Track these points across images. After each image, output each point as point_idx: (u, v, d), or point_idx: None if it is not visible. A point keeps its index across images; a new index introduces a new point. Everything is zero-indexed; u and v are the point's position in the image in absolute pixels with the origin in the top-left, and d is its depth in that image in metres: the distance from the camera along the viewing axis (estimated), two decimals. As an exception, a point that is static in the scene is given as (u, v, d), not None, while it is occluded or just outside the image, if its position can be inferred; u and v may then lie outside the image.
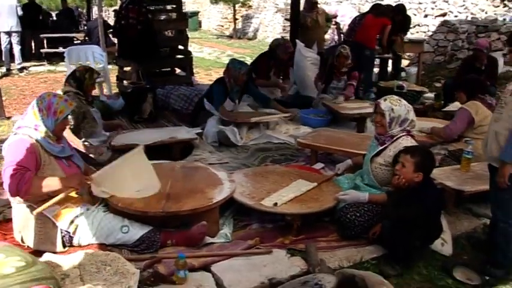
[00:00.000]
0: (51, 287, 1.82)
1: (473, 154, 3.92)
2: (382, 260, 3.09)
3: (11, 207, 3.16)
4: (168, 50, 8.49)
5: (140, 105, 6.17)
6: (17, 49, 10.60)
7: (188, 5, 23.68)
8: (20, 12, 10.47)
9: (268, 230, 3.43)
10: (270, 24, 18.79)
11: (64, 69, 9.13)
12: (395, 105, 3.36)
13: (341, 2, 14.96)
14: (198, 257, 2.96)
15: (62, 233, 3.01)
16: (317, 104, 6.42)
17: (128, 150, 3.32)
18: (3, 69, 10.56)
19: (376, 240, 3.20)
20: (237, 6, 20.69)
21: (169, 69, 8.62)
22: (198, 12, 23.65)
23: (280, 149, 5.23)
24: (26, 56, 11.55)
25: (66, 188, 2.96)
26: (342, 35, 10.47)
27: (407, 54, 10.40)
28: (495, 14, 10.60)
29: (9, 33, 10.38)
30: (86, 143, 4.39)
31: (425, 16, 12.26)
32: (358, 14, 9.88)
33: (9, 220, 3.24)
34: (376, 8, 8.20)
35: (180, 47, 8.64)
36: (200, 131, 5.36)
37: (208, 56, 14.42)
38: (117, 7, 11.29)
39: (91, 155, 4.14)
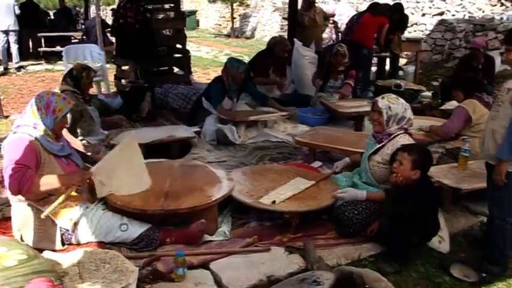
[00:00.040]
0: (52, 280, 1.84)
1: (470, 152, 3.93)
2: (380, 257, 3.11)
3: (10, 205, 3.17)
4: (166, 49, 8.48)
5: (138, 104, 6.17)
6: (14, 48, 10.57)
7: (186, 4, 23.66)
8: (18, 11, 10.45)
9: (267, 227, 3.44)
10: (268, 23, 18.80)
11: (62, 68, 9.11)
12: (392, 104, 3.37)
13: (339, 0, 14.99)
14: (197, 255, 2.98)
15: (61, 231, 3.02)
16: (315, 103, 6.43)
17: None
18: (1, 68, 10.55)
19: (374, 238, 3.22)
20: (234, 5, 20.68)
21: (167, 68, 8.62)
22: (196, 11, 23.66)
23: (278, 148, 5.24)
24: (24, 55, 11.53)
25: (68, 185, 2.97)
26: (339, 34, 10.48)
27: (405, 53, 10.41)
28: (492, 12, 10.62)
29: (6, 32, 10.36)
30: (83, 142, 4.40)
31: (423, 15, 12.29)
32: (355, 12, 9.90)
33: (8, 218, 3.24)
34: (373, 6, 8.22)
35: (178, 46, 8.64)
36: (198, 129, 5.37)
37: (206, 55, 14.42)
38: (115, 6, 11.28)
39: (88, 153, 4.14)
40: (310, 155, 4.74)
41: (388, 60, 9.14)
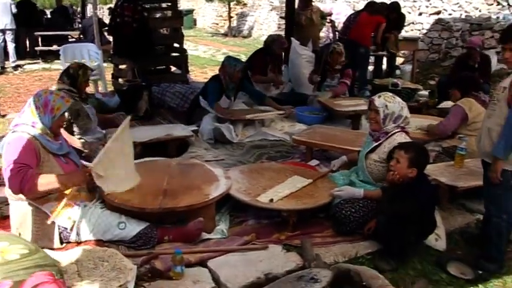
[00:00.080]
0: (53, 273, 1.85)
1: (466, 150, 3.95)
2: (377, 255, 3.12)
3: (8, 204, 3.17)
4: (164, 48, 8.48)
5: (136, 103, 6.17)
6: (11, 47, 10.56)
7: (183, 3, 23.65)
8: (14, 10, 10.45)
9: (264, 226, 3.45)
10: (265, 22, 18.79)
11: (59, 67, 9.10)
12: (389, 102, 3.39)
13: (336, -1, 14.99)
14: (195, 253, 2.98)
15: (59, 229, 3.02)
16: (312, 101, 6.44)
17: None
18: (-2, 67, 10.54)
19: (371, 236, 3.23)
20: (232, 4, 20.66)
21: (164, 67, 8.62)
22: (193, 10, 23.62)
23: (275, 146, 5.25)
24: (21, 54, 11.51)
25: (69, 186, 2.98)
26: (336, 33, 10.49)
27: (402, 52, 10.43)
28: (489, 12, 10.66)
29: (3, 31, 10.35)
30: (81, 140, 4.39)
31: (420, 14, 12.31)
32: (352, 11, 9.91)
33: (7, 217, 3.24)
34: (370, 5, 8.23)
35: (176, 45, 8.64)
36: (196, 128, 5.37)
37: (203, 54, 14.41)
38: (112, 5, 11.30)
39: (85, 151, 4.15)
40: (307, 153, 4.75)
41: (385, 59, 9.16)
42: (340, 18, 10.58)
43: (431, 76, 9.23)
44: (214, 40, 18.72)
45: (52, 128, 3.07)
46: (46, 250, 2.75)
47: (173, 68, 8.76)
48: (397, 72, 9.11)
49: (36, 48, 12.17)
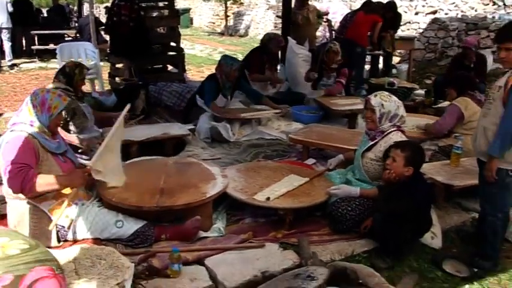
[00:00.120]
0: (53, 268, 1.86)
1: (462, 149, 3.97)
2: (373, 253, 3.14)
3: (5, 202, 3.17)
4: (160, 47, 8.46)
5: (132, 102, 6.16)
6: (7, 46, 10.53)
7: (180, 2, 23.61)
8: (11, 9, 10.40)
9: (261, 224, 3.46)
10: (262, 21, 18.81)
11: (56, 66, 9.08)
12: (385, 101, 3.41)
13: (332, -1, 14.99)
14: (192, 251, 3.00)
15: (57, 227, 3.02)
16: (309, 101, 6.45)
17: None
18: (-6, 66, 10.52)
19: (367, 234, 3.25)
20: (228, 3, 20.69)
21: (161, 66, 8.60)
22: (190, 9, 23.62)
23: (272, 145, 5.26)
24: (17, 52, 11.49)
25: (69, 186, 2.99)
26: (333, 32, 10.51)
27: (398, 51, 10.46)
28: (485, 11, 10.70)
29: (-1, 30, 10.33)
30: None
31: (416, 13, 12.35)
32: (349, 11, 9.94)
33: (4, 216, 3.23)
34: (367, 5, 8.26)
35: (172, 44, 8.63)
36: (193, 127, 5.37)
37: (200, 53, 14.41)
38: (108, 4, 11.25)
39: (82, 147, 4.15)
40: (304, 152, 4.76)
41: (381, 59, 9.18)
42: (336, 18, 10.58)
43: (427, 75, 9.26)
44: (211, 39, 18.72)
45: (50, 127, 3.07)
46: (44, 248, 2.77)
47: (170, 67, 8.75)
48: (394, 71, 9.14)
49: (32, 47, 12.13)
